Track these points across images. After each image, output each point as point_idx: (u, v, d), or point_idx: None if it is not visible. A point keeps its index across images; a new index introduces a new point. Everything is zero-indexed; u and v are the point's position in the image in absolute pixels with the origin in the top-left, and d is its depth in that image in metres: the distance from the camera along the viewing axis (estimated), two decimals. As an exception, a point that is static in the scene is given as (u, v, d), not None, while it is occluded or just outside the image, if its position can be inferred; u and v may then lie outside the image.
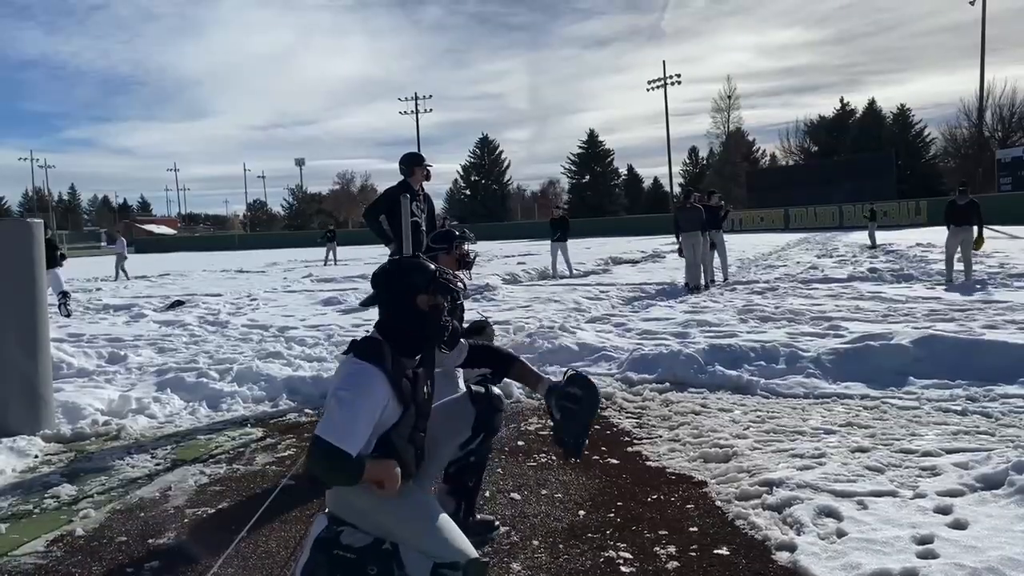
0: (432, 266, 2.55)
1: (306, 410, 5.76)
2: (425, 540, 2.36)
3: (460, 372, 3.29)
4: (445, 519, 2.43)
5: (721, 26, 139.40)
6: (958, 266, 12.32)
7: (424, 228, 6.16)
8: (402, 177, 6.27)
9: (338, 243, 31.73)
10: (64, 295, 12.79)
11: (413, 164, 6.25)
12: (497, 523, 3.31)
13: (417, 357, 2.54)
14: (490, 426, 2.88)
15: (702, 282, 13.34)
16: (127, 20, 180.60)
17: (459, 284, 2.59)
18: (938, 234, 16.55)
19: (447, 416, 2.79)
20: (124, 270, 25.06)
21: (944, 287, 11.50)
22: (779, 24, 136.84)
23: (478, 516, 3.24)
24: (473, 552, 2.38)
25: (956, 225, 12.33)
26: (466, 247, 4.53)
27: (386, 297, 2.52)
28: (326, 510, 2.64)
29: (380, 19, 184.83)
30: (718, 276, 14.63)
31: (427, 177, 6.32)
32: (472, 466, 3.03)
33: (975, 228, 12.23)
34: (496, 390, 2.92)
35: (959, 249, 12.32)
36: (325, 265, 27.95)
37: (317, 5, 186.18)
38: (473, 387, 2.90)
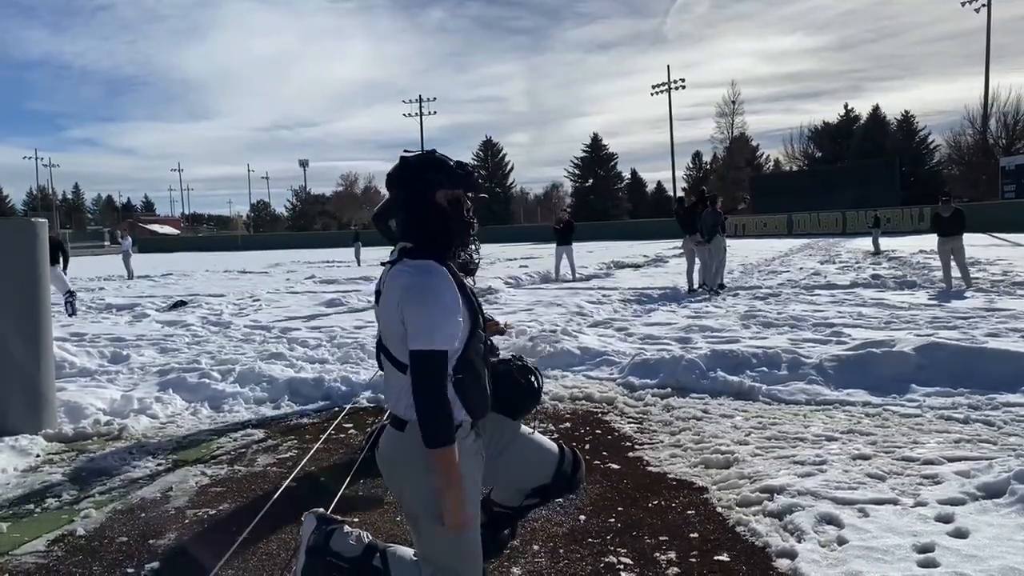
0: (449, 160, 2.34)
1: (307, 411, 5.77)
2: (448, 565, 2.20)
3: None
4: (478, 548, 2.25)
5: (723, 32, 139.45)
6: (956, 273, 12.34)
7: None
8: None
9: (363, 244, 31.66)
10: (70, 294, 12.81)
11: None
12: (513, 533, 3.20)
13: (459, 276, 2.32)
14: (557, 495, 2.71)
15: (723, 282, 13.48)
16: (132, 21, 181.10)
17: (476, 177, 2.37)
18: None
19: (528, 449, 2.57)
20: (129, 268, 25.10)
21: (943, 295, 11.48)
22: (781, 30, 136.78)
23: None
24: None
25: (944, 236, 12.41)
26: (470, 252, 4.55)
27: (404, 196, 2.31)
28: (315, 509, 2.64)
29: (383, 22, 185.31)
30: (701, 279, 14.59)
31: None
32: (514, 518, 2.79)
33: (963, 236, 12.34)
34: (582, 463, 2.66)
35: (952, 258, 12.37)
36: (359, 265, 27.87)
37: (320, 8, 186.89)
38: (565, 449, 2.65)
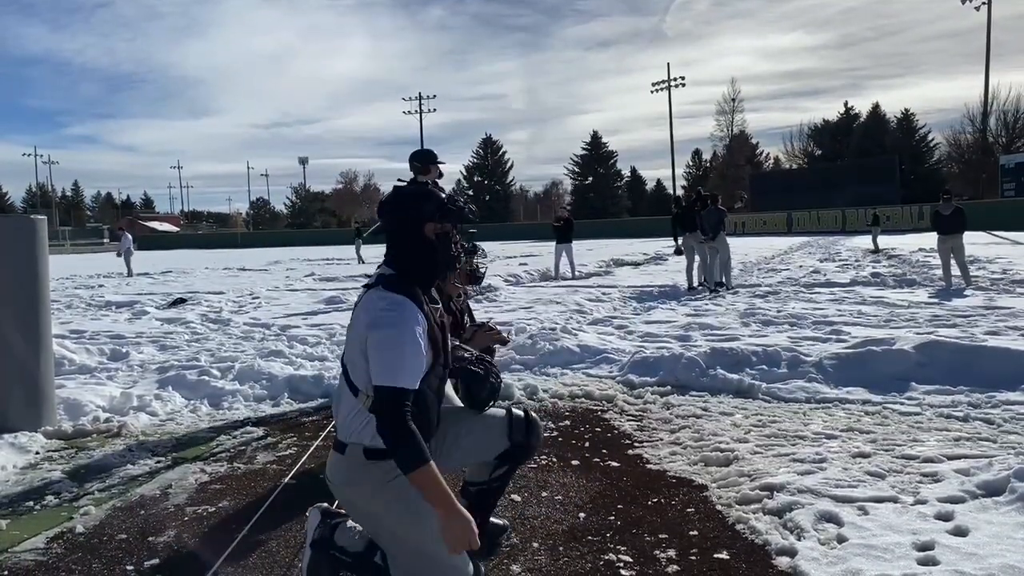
0: (441, 194, 2.41)
1: (307, 409, 5.76)
2: (424, 571, 2.24)
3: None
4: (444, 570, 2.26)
5: (723, 29, 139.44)
6: (955, 271, 12.33)
7: None
8: (413, 175, 6.23)
9: (364, 241, 31.60)
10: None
11: (426, 162, 6.22)
12: (509, 527, 3.24)
13: (438, 306, 2.42)
14: (520, 460, 2.77)
15: (719, 279, 13.59)
16: (131, 18, 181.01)
17: (469, 211, 2.43)
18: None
19: (480, 426, 2.63)
20: (130, 264, 25.07)
21: (943, 293, 11.48)
22: (781, 28, 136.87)
23: (492, 520, 3.19)
24: (468, 572, 2.27)
25: (944, 234, 12.39)
26: (476, 261, 4.63)
27: (394, 227, 2.36)
28: (320, 504, 2.64)
29: (382, 19, 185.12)
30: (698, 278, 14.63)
31: (439, 175, 6.30)
32: (492, 492, 2.92)
33: (963, 235, 12.33)
34: (536, 420, 2.72)
35: (952, 256, 12.36)
36: (362, 263, 27.82)
37: (320, 5, 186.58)
38: (514, 412, 2.71)
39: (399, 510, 2.23)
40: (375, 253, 29.27)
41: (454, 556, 2.20)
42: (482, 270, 4.63)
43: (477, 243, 4.77)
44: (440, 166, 6.29)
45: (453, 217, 2.36)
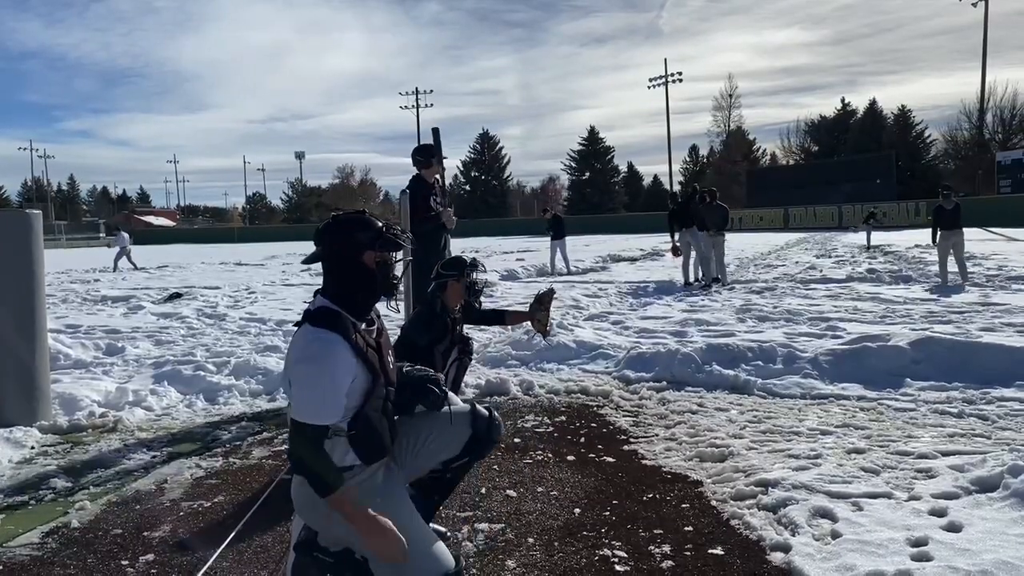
0: (379, 222, 2.41)
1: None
2: (398, 568, 2.24)
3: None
4: (419, 536, 2.30)
5: (719, 25, 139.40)
6: (953, 268, 12.33)
7: (445, 223, 6.11)
8: (417, 171, 6.21)
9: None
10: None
11: (429, 157, 6.20)
12: (448, 534, 3.16)
13: (375, 325, 2.44)
14: (481, 453, 2.79)
15: (715, 275, 13.70)
16: (127, 13, 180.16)
17: (405, 239, 2.43)
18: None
19: (442, 426, 2.65)
20: (119, 262, 24.98)
21: (939, 289, 11.50)
22: (777, 24, 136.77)
23: (431, 526, 3.14)
24: (447, 566, 2.28)
25: (945, 229, 12.34)
26: (476, 276, 4.67)
27: (330, 255, 2.37)
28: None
29: (378, 14, 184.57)
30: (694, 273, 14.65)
31: (442, 169, 6.30)
32: (445, 482, 2.87)
33: (963, 231, 12.34)
34: (498, 418, 2.77)
35: (951, 252, 12.34)
36: None
37: (315, 0, 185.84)
38: (478, 408, 2.76)
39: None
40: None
41: (432, 549, 2.27)
42: (479, 285, 4.71)
43: (477, 258, 4.86)
44: (443, 160, 6.30)
45: (391, 245, 2.39)
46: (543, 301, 4.91)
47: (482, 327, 7.75)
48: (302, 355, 2.25)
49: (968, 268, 12.91)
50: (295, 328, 2.38)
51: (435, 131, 6.44)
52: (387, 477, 2.45)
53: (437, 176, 6.23)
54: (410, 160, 6.24)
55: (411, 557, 2.22)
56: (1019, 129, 59.80)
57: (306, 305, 2.46)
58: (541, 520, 3.37)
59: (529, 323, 5.13)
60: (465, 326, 5.02)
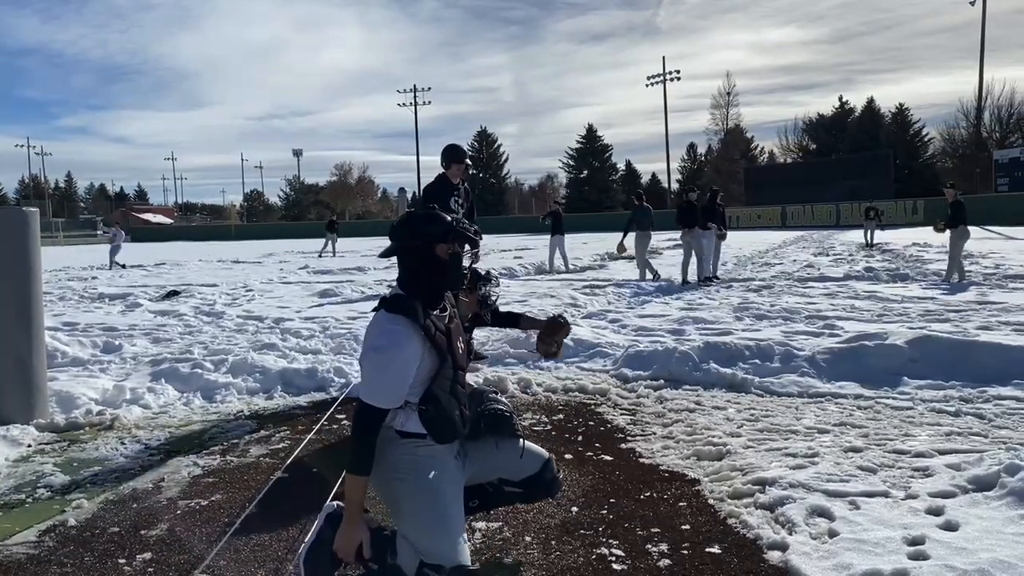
0: (448, 217, 2.58)
1: (300, 402, 5.76)
2: (421, 536, 2.39)
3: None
4: (452, 521, 2.44)
5: (717, 23, 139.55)
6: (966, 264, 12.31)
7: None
8: (442, 170, 6.29)
9: (339, 235, 31.41)
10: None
11: (452, 160, 6.27)
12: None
13: (447, 312, 2.60)
14: (532, 496, 2.94)
15: (711, 273, 13.87)
16: (124, 9, 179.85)
17: (474, 233, 2.62)
18: (934, 234, 16.57)
19: (510, 452, 2.80)
20: (116, 260, 24.92)
21: (944, 287, 11.51)
22: (774, 22, 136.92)
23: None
24: (463, 559, 2.39)
25: (966, 225, 12.39)
26: (488, 289, 4.68)
27: (404, 248, 2.54)
28: (333, 502, 2.68)
29: (376, 12, 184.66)
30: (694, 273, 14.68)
31: (467, 171, 6.36)
32: (490, 496, 2.93)
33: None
34: (562, 481, 3.05)
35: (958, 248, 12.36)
36: (320, 256, 27.80)
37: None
38: (553, 460, 2.95)
39: (413, 478, 2.46)
40: (348, 247, 29.26)
41: (457, 538, 2.42)
42: (492, 298, 4.72)
43: (492, 272, 4.88)
44: (468, 162, 6.38)
45: (461, 239, 2.55)
46: (556, 334, 4.47)
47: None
48: (373, 343, 2.41)
49: (965, 266, 12.92)
50: (372, 313, 2.54)
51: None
52: (452, 463, 2.60)
53: (461, 178, 6.30)
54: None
55: (436, 538, 2.38)
56: (1016, 127, 59.87)
57: (383, 293, 2.59)
58: (538, 519, 3.37)
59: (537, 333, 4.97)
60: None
